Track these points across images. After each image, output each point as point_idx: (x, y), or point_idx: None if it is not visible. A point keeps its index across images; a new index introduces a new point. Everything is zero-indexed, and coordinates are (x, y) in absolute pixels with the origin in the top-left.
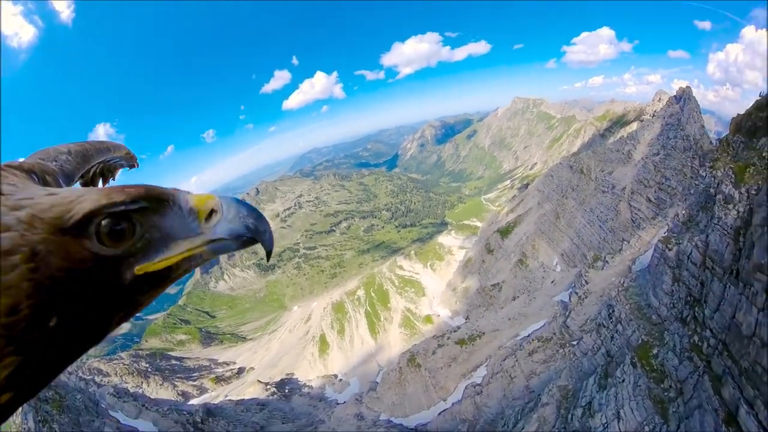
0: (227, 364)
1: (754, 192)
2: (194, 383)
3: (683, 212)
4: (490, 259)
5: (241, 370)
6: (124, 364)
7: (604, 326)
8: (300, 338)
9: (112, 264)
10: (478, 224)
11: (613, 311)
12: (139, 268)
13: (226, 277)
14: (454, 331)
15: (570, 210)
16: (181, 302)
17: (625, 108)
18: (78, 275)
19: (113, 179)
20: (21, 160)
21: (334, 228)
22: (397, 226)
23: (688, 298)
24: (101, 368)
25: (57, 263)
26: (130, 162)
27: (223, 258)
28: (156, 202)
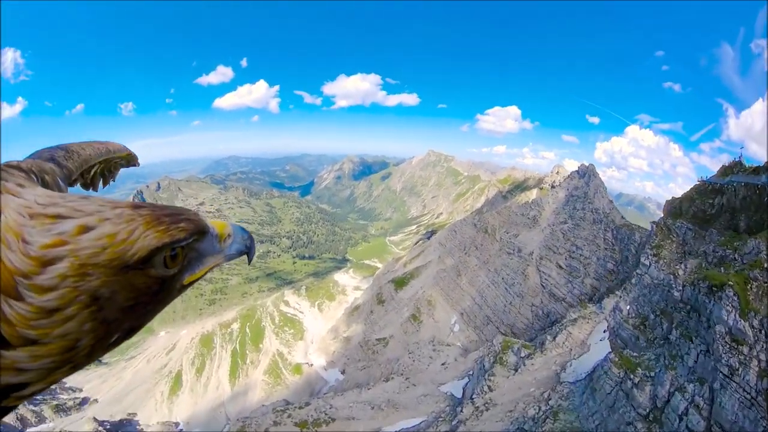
0: (73, 390)
1: None
2: (35, 408)
3: (627, 307)
4: (379, 311)
5: (84, 401)
6: None
7: None
8: (155, 372)
9: (170, 281)
10: (379, 265)
11: None
12: (187, 279)
13: None
14: (300, 408)
15: (472, 268)
16: None
17: (525, 175)
18: (145, 297)
19: (113, 180)
20: (19, 160)
21: None
22: (294, 257)
23: None
24: None
25: (125, 296)
26: (130, 162)
27: None
28: (201, 234)
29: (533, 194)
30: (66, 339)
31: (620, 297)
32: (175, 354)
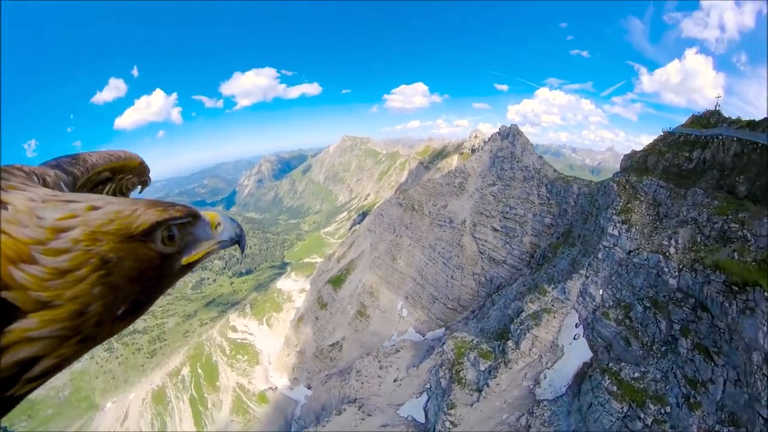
0: None
1: None
2: None
3: (600, 292)
4: (324, 315)
5: None
6: None
7: None
8: None
9: (170, 258)
10: (320, 260)
11: None
12: (185, 260)
13: None
14: None
15: (407, 249)
16: None
17: (443, 143)
18: (148, 271)
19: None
20: (22, 164)
21: None
22: (231, 276)
23: None
24: None
25: (130, 264)
26: (142, 177)
27: None
28: (194, 217)
29: (455, 160)
30: (76, 302)
31: (586, 277)
32: (130, 423)
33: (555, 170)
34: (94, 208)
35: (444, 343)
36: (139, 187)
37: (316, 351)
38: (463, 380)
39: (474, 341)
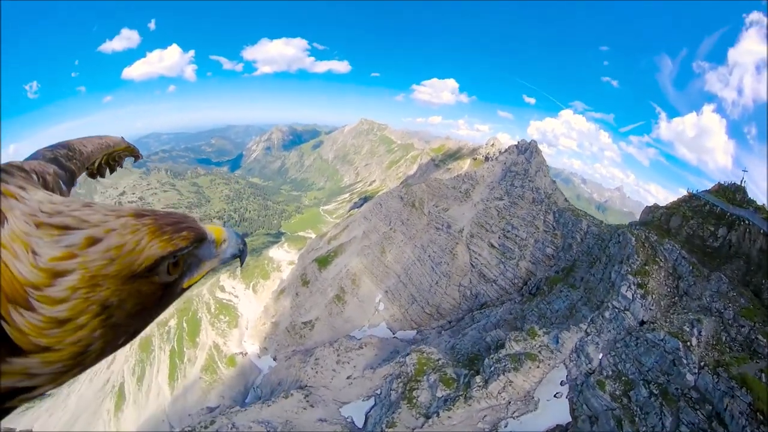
0: None
1: None
2: None
3: (599, 356)
4: (304, 292)
5: None
6: None
7: None
8: (98, 390)
9: (172, 285)
10: (313, 236)
11: None
12: (186, 283)
13: None
14: (204, 427)
15: (398, 244)
16: None
17: (459, 145)
18: (150, 304)
19: (120, 166)
20: (21, 161)
21: None
22: None
23: None
24: None
25: (132, 303)
26: (133, 154)
27: None
28: (200, 241)
29: (466, 164)
30: (77, 345)
31: (586, 333)
32: (116, 366)
33: (566, 199)
34: (94, 242)
35: (408, 354)
36: (133, 159)
37: (289, 325)
38: (414, 400)
39: (440, 361)
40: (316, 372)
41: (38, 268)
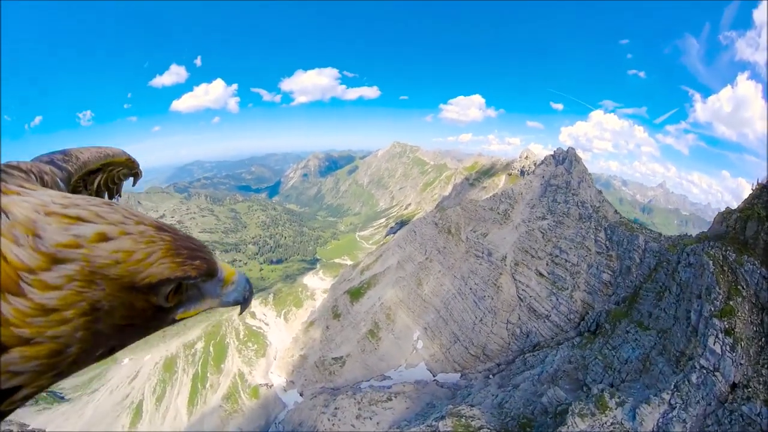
0: None
1: None
2: None
3: None
4: (335, 326)
5: None
6: None
7: None
8: (117, 404)
9: (165, 313)
10: (350, 263)
11: None
12: (179, 315)
13: None
14: None
15: (435, 275)
16: None
17: (492, 161)
18: (138, 321)
19: (119, 194)
20: (19, 161)
21: None
22: (262, 263)
23: None
24: None
25: (121, 314)
26: (132, 170)
27: None
28: (210, 276)
29: (502, 180)
30: (56, 342)
31: (671, 406)
32: (138, 382)
33: (616, 211)
34: (104, 239)
35: (442, 418)
36: (132, 178)
37: (318, 360)
38: None
39: (482, 430)
40: (333, 424)
41: (38, 252)
